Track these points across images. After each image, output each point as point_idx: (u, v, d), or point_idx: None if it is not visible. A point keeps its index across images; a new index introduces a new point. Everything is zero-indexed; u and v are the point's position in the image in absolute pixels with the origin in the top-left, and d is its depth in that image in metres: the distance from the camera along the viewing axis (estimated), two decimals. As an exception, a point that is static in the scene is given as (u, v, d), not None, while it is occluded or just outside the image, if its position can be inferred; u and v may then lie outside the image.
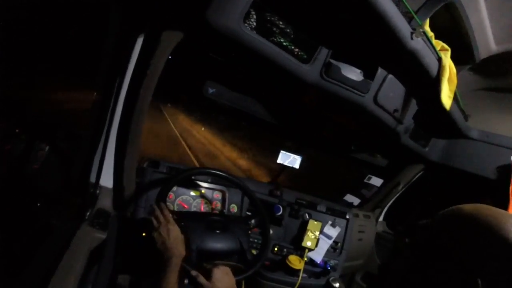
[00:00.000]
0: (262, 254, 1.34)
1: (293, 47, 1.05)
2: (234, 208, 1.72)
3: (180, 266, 1.02)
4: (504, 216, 0.53)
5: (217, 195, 1.70)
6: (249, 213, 1.75)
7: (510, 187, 1.62)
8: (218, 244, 1.26)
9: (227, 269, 1.11)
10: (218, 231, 1.29)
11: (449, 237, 0.54)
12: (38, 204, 1.53)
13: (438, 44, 1.15)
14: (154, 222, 1.09)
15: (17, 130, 1.66)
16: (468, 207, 0.56)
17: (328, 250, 1.88)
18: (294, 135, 2.14)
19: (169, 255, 1.01)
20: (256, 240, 1.71)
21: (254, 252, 1.68)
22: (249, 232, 1.42)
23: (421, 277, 0.55)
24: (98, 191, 1.26)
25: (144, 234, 1.23)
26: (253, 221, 1.46)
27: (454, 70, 1.22)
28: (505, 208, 1.57)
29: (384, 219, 2.45)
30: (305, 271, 1.77)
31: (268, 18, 0.97)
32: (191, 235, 1.21)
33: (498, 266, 0.49)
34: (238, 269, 1.20)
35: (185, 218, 1.26)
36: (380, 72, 1.22)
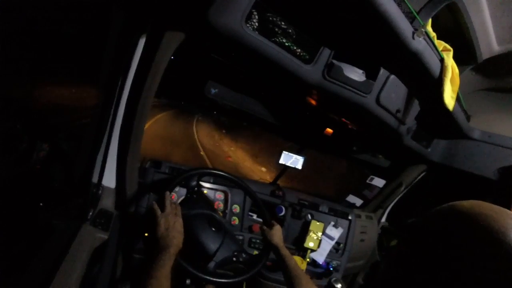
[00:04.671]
0: (264, 255, 1.33)
1: (295, 48, 1.05)
2: (236, 209, 1.72)
3: (175, 260, 0.96)
4: (504, 216, 0.50)
5: (220, 196, 1.70)
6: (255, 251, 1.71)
7: None
8: (202, 236, 1.22)
9: (279, 226, 1.39)
10: (213, 229, 1.26)
11: (442, 235, 0.51)
12: (40, 204, 1.54)
13: (441, 44, 1.15)
14: (158, 211, 1.07)
15: (19, 130, 1.67)
16: (465, 203, 0.53)
17: (330, 251, 1.88)
18: (296, 136, 2.13)
19: (168, 243, 0.97)
20: (258, 241, 1.72)
21: (255, 252, 1.69)
22: (235, 253, 1.27)
23: (407, 275, 0.52)
24: (100, 191, 1.27)
25: (146, 235, 1.23)
26: (243, 255, 1.29)
27: (456, 70, 1.21)
28: (507, 208, 1.56)
29: (386, 220, 2.44)
30: (307, 271, 1.77)
31: (270, 18, 0.97)
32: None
33: (492, 268, 0.47)
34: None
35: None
36: (383, 72, 1.21)
